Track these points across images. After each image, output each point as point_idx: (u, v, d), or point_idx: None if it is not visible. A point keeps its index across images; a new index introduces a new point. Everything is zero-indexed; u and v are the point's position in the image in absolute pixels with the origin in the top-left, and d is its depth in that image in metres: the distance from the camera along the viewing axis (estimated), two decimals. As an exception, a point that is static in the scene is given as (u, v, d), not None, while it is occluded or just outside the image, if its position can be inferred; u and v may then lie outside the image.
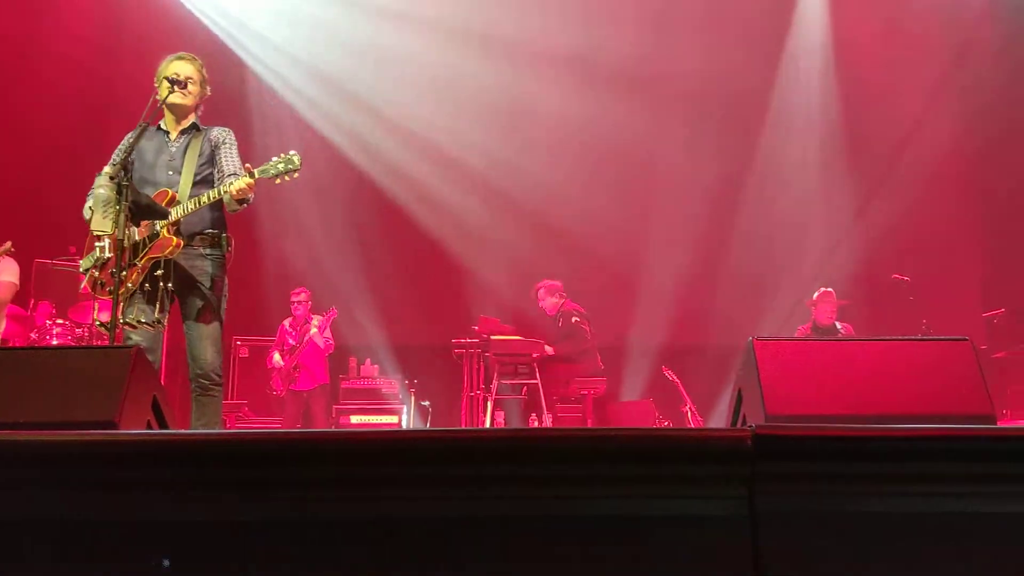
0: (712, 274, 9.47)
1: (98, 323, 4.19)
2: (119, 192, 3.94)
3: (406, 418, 8.34)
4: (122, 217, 3.90)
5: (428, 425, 8.51)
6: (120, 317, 3.92)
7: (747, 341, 2.97)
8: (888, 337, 3.00)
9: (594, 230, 9.37)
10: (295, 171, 4.22)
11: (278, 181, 4.23)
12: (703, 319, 9.34)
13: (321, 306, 8.53)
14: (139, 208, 4.12)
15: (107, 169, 4.10)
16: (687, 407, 7.98)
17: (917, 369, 2.89)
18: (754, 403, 2.97)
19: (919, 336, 3.05)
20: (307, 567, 1.79)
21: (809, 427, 1.56)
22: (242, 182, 4.11)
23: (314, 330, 8.16)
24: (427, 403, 8.68)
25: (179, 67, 4.42)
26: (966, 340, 2.92)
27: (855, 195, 9.55)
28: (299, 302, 8.30)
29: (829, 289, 7.88)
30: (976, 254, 9.55)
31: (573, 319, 7.71)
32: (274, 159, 4.21)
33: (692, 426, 7.76)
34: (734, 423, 3.24)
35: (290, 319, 8.36)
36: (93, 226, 4.03)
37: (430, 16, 9.58)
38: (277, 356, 8.24)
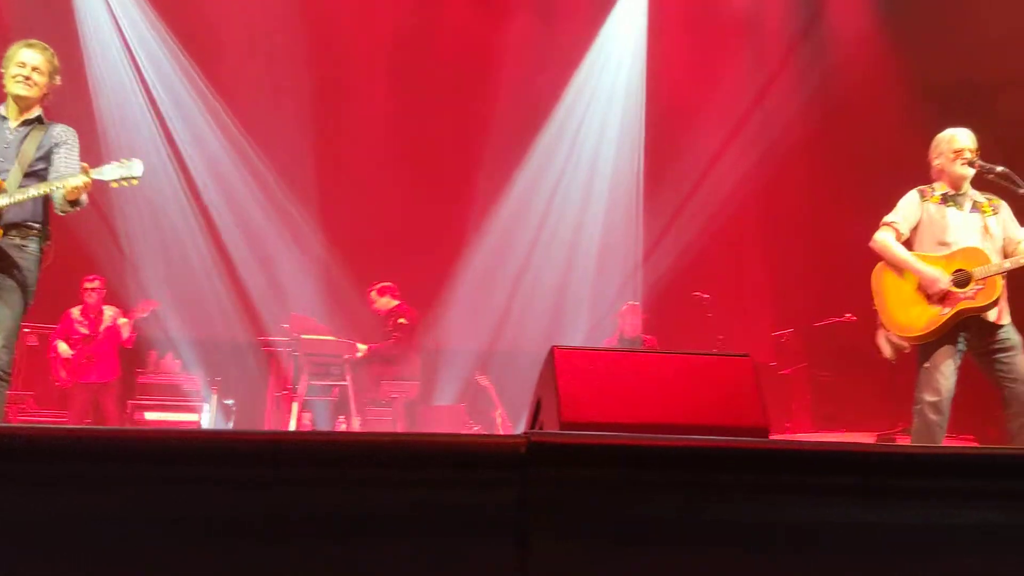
0: (529, 283, 9.67)
1: None
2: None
3: (207, 416, 7.99)
4: None
5: (231, 424, 8.21)
6: None
7: (549, 349, 3.05)
8: (678, 351, 3.15)
9: (413, 230, 9.34)
10: (134, 179, 4.03)
11: (115, 186, 4.04)
12: (519, 326, 9.51)
13: (118, 295, 8.03)
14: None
15: None
16: (498, 412, 8.09)
17: (702, 382, 3.04)
18: (551, 410, 3.04)
19: (707, 351, 3.21)
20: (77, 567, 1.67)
21: (581, 435, 1.60)
22: (77, 180, 3.89)
23: (123, 320, 7.67)
24: (231, 402, 8.36)
25: (27, 55, 4.10)
26: (747, 356, 3.10)
27: (664, 213, 10.01)
28: (93, 289, 7.75)
29: (636, 303, 8.23)
30: (768, 277, 10.25)
31: (400, 320, 7.64)
32: (114, 163, 4.03)
33: (501, 432, 7.88)
34: (531, 429, 3.31)
35: (80, 307, 7.79)
36: None
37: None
38: (64, 346, 7.64)
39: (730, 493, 1.82)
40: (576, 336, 9.53)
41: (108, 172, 4.01)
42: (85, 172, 3.93)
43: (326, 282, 8.93)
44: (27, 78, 4.07)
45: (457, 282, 9.35)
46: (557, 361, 2.98)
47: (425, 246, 9.31)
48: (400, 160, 9.50)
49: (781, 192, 9.99)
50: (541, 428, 3.12)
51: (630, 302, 8.21)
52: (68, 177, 3.93)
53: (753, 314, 9.87)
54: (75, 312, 7.75)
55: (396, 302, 7.84)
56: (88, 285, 7.74)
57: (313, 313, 8.14)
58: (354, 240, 9.20)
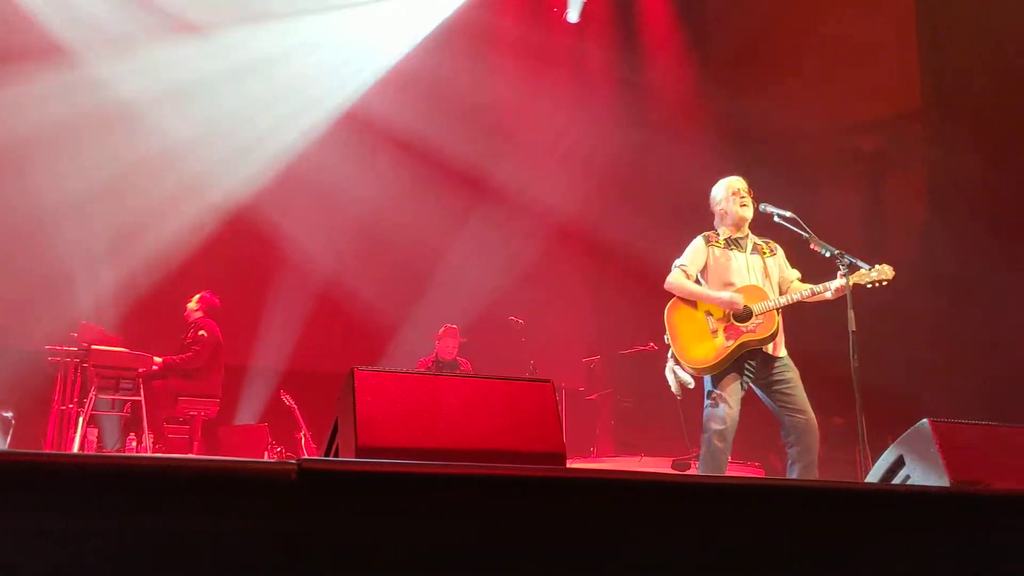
0: (345, 301, 9.46)
1: None
2: None
3: (-19, 430, 7.29)
4: None
5: (8, 439, 7.52)
6: None
7: (349, 370, 2.95)
8: (481, 375, 3.14)
9: (223, 247, 8.93)
10: None
11: None
12: (331, 346, 9.27)
13: None
14: None
15: None
16: (302, 433, 7.84)
17: (504, 407, 3.04)
18: (349, 433, 2.94)
19: (511, 376, 3.21)
20: None
21: (356, 462, 1.53)
22: None
23: None
24: (10, 414, 7.66)
25: None
26: (548, 382, 3.13)
27: (482, 235, 10.08)
28: None
29: (454, 325, 8.21)
30: (582, 304, 10.55)
31: (200, 332, 7.26)
32: None
33: (304, 453, 7.63)
34: (328, 453, 3.19)
35: None
36: None
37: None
38: None
39: (519, 521, 1.79)
40: (393, 357, 9.41)
41: None
42: None
43: (122, 290, 8.35)
44: None
45: (266, 298, 9.01)
46: (356, 383, 2.89)
47: (234, 259, 8.93)
48: (209, 165, 9.09)
49: (597, 220, 10.32)
50: (337, 452, 3.01)
51: (448, 324, 8.19)
52: None
53: (566, 340, 10.10)
54: None
55: (199, 314, 7.48)
56: None
57: (104, 322, 7.61)
58: (157, 248, 8.67)
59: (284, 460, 1.38)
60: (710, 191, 4.98)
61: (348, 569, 1.45)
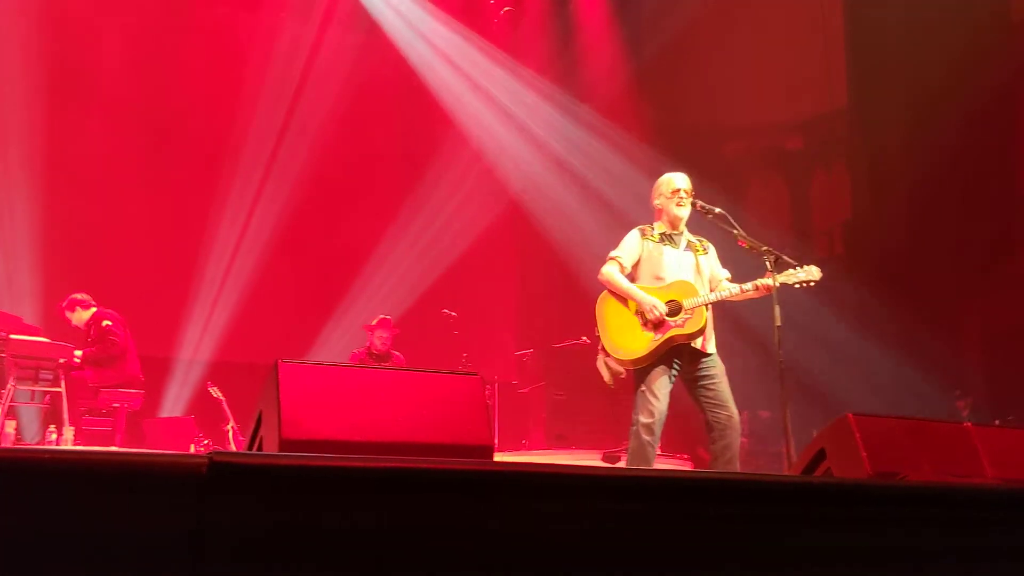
0: (277, 293, 9.30)
1: None
2: None
3: None
4: None
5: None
6: None
7: (274, 363, 2.89)
8: (409, 368, 3.12)
9: (149, 233, 8.70)
10: None
11: None
12: (261, 336, 9.10)
13: None
14: None
15: None
16: (229, 426, 7.69)
17: (431, 400, 3.02)
18: (272, 427, 2.88)
19: (439, 369, 3.19)
20: None
21: (272, 456, 1.50)
22: None
23: None
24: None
25: None
26: (476, 375, 3.12)
27: (429, 227, 10.03)
28: None
29: (387, 317, 8.10)
30: (514, 300, 10.58)
31: (104, 323, 7.04)
32: None
33: (232, 446, 7.50)
34: (251, 446, 3.13)
35: None
36: None
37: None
38: None
39: (443, 515, 1.77)
40: (328, 347, 9.29)
41: None
42: None
43: (41, 280, 8.09)
44: None
45: (193, 288, 8.81)
46: (281, 376, 2.84)
47: (160, 251, 8.71)
48: (136, 156, 8.83)
49: (530, 213, 10.35)
50: (261, 446, 2.96)
51: (382, 316, 8.08)
52: None
53: (499, 333, 10.10)
54: None
55: (92, 310, 7.19)
56: None
57: (23, 313, 7.35)
58: (79, 240, 8.41)
59: (195, 454, 1.34)
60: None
61: (260, 569, 1.41)
